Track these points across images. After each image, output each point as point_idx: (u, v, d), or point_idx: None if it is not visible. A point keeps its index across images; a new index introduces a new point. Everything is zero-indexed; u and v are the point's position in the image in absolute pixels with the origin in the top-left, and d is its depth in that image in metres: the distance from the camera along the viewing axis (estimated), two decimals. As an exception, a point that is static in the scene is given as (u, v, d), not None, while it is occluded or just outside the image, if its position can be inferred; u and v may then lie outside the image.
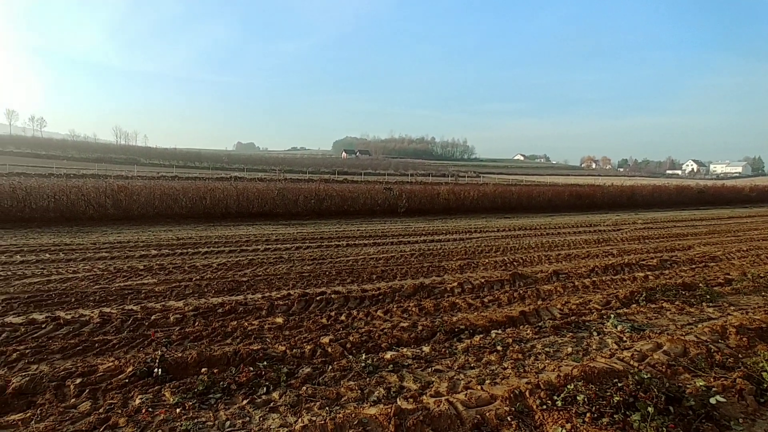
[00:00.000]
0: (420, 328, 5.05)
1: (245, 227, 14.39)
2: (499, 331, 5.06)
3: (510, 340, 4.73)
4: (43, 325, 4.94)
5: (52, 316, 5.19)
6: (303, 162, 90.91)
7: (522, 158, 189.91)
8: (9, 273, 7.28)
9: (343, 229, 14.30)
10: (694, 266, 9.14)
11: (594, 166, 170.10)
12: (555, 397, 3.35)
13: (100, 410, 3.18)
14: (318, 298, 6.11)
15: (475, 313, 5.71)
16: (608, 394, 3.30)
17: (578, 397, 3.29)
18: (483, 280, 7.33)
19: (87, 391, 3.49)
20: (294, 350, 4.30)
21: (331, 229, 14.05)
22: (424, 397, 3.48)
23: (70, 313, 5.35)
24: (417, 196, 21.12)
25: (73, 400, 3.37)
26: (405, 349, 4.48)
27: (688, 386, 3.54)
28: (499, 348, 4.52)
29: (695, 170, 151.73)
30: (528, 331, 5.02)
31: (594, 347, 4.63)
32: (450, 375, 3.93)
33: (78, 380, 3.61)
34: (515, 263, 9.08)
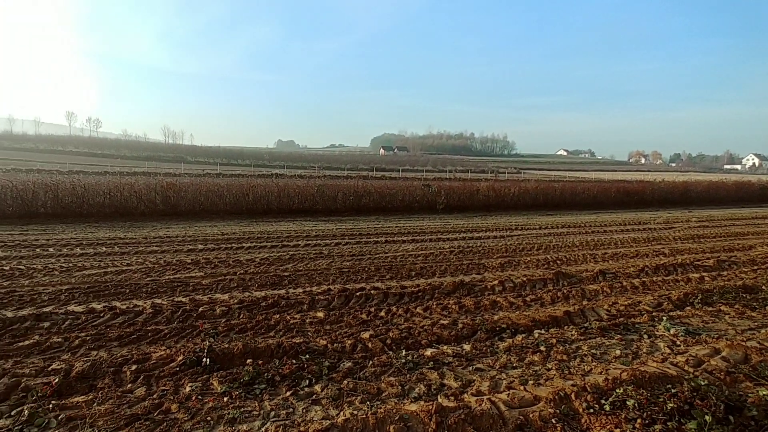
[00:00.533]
0: (460, 325, 5.00)
1: (286, 223, 14.73)
2: (542, 331, 4.94)
3: (554, 341, 4.60)
4: (101, 314, 5.25)
5: (109, 306, 5.51)
6: (341, 159, 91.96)
7: (565, 154, 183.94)
8: (71, 265, 7.78)
9: (381, 225, 14.36)
10: (756, 267, 8.55)
11: (643, 161, 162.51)
12: (602, 401, 3.23)
13: (154, 396, 3.36)
14: (358, 294, 6.17)
15: (517, 312, 5.59)
16: (661, 400, 3.15)
17: (628, 402, 3.15)
18: (525, 279, 7.17)
19: (142, 377, 3.69)
20: (335, 344, 4.36)
21: (369, 226, 14.14)
22: (466, 395, 3.45)
23: (125, 304, 5.66)
24: (456, 192, 20.88)
25: (129, 385, 3.57)
26: (445, 347, 4.45)
27: (749, 395, 3.32)
28: (542, 348, 4.41)
29: (757, 165, 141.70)
30: (573, 332, 4.86)
31: (644, 351, 4.42)
32: (492, 374, 3.87)
33: (133, 367, 3.82)
34: (558, 262, 8.82)
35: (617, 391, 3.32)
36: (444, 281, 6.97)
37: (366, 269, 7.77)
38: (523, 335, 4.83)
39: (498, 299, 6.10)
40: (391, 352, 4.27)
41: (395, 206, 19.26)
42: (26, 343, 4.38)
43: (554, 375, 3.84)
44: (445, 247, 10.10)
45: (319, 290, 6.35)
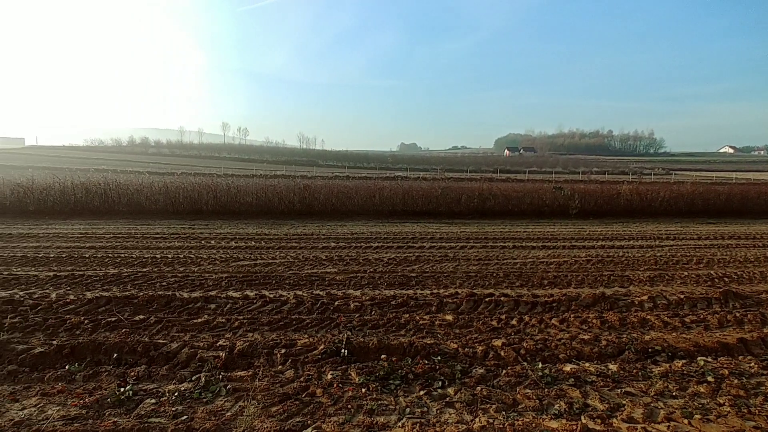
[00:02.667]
0: (604, 342, 4.55)
1: (410, 225, 15.03)
2: (709, 359, 4.24)
3: (725, 372, 3.92)
4: (254, 301, 5.93)
5: (259, 294, 6.20)
6: (463, 161, 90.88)
7: (731, 151, 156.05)
8: (228, 256, 8.95)
9: (508, 230, 13.82)
10: None
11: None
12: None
13: (301, 379, 3.67)
14: (486, 300, 6.01)
15: (674, 334, 4.89)
16: None
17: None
18: (682, 296, 6.25)
19: (290, 361, 4.06)
20: (466, 349, 4.30)
21: (495, 230, 13.71)
22: (615, 420, 3.12)
23: (272, 293, 6.31)
24: (592, 196, 19.13)
25: (279, 366, 3.96)
26: (587, 364, 4.09)
27: None
28: (710, 379, 3.79)
29: None
30: (752, 364, 4.09)
31: None
32: (645, 401, 3.44)
33: (282, 350, 4.23)
34: (726, 279, 7.50)
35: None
36: (581, 292, 6.42)
37: (494, 275, 7.53)
38: (683, 361, 4.20)
39: (649, 317, 5.40)
40: (525, 363, 4.06)
41: (522, 210, 18.36)
42: (198, 320, 5.14)
43: (728, 412, 3.26)
44: (580, 256, 9.31)
45: (447, 293, 6.33)
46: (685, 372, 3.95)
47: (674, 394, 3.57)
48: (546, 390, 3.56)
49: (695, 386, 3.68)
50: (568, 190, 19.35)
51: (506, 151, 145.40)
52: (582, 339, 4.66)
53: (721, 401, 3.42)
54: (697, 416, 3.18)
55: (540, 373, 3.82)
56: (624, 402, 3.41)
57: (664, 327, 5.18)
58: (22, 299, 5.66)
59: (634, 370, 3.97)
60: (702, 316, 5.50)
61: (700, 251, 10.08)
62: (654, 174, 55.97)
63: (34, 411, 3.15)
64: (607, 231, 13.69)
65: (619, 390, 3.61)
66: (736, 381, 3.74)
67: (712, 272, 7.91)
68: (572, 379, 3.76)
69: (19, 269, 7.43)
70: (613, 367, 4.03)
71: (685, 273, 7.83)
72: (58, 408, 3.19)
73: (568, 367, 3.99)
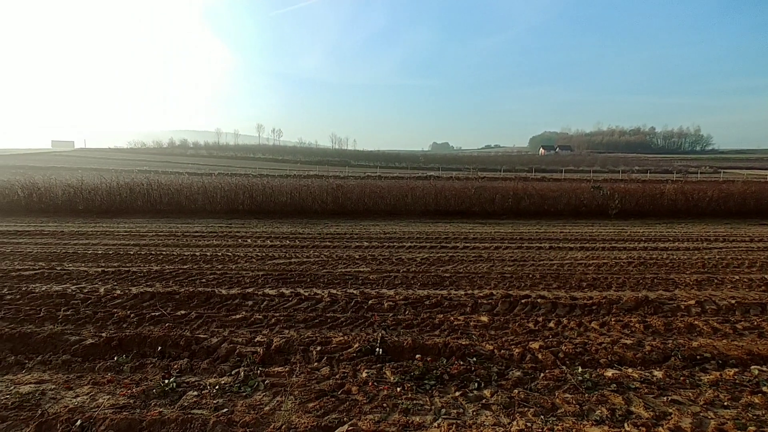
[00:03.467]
0: (648, 348, 4.36)
1: (443, 224, 14.92)
2: (763, 368, 4.00)
3: (783, 382, 3.68)
4: (290, 299, 6.03)
5: (294, 292, 6.30)
6: (497, 160, 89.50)
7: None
8: (264, 254, 9.15)
9: (544, 230, 13.49)
10: None
11: None
12: None
13: (337, 376, 3.71)
14: (522, 301, 5.88)
15: (725, 341, 4.64)
16: None
17: None
18: (733, 301, 5.92)
19: (325, 358, 4.11)
20: (502, 351, 4.22)
21: (530, 230, 13.42)
22: (660, 429, 2.99)
23: (307, 291, 6.40)
24: (632, 195, 18.40)
25: (315, 363, 4.02)
26: (630, 370, 3.94)
27: None
28: (765, 389, 3.57)
29: None
30: (813, 375, 3.82)
31: None
32: (694, 410, 3.28)
33: (318, 348, 4.28)
34: (782, 283, 7.05)
35: None
36: (623, 296, 6.19)
37: (530, 276, 7.36)
38: (735, 369, 3.98)
39: (696, 323, 5.15)
40: (564, 367, 3.95)
41: (559, 210, 17.89)
42: (237, 316, 5.28)
43: (787, 425, 3.06)
44: (621, 257, 8.98)
45: (481, 294, 6.24)
46: (737, 381, 3.74)
47: (725, 404, 3.39)
48: (586, 395, 3.45)
49: (749, 396, 3.48)
50: (608, 190, 18.70)
51: (541, 149, 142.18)
52: (624, 344, 4.49)
53: (779, 413, 3.22)
54: (751, 428, 3.01)
55: (580, 378, 3.71)
56: (670, 410, 3.26)
57: (713, 333, 4.92)
58: (73, 293, 5.98)
59: (681, 378, 3.79)
60: (756, 323, 5.20)
61: (753, 254, 9.53)
62: (700, 172, 53.31)
63: (87, 399, 3.32)
64: (649, 232, 13.15)
65: (665, 398, 3.46)
66: (794, 392, 3.51)
67: (766, 276, 7.46)
68: (614, 385, 3.63)
69: (70, 265, 7.86)
70: (658, 373, 3.87)
71: (737, 277, 7.42)
72: (108, 397, 3.35)
73: (609, 372, 3.86)
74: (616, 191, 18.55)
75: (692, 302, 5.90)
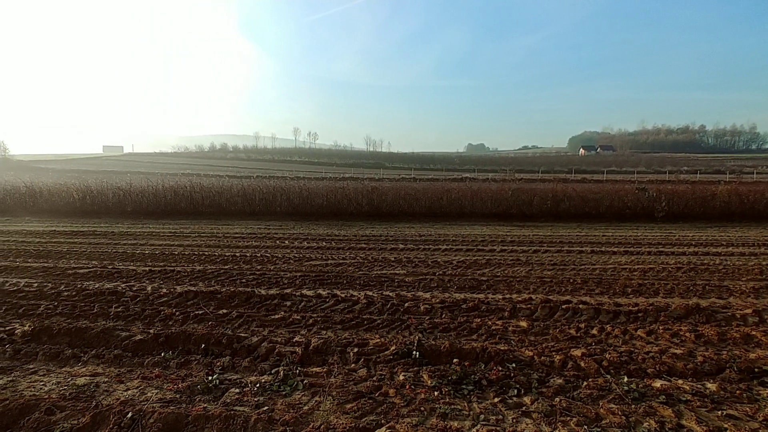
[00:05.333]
0: (700, 359, 4.14)
1: (479, 227, 14.72)
2: (831, 384, 3.71)
3: None
4: (327, 300, 6.10)
5: (331, 293, 6.37)
6: (534, 161, 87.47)
7: None
8: (301, 255, 9.31)
9: (585, 233, 13.05)
10: None
11: None
12: None
13: (374, 378, 3.72)
14: (563, 307, 5.71)
15: (786, 353, 4.33)
16: None
17: None
18: (795, 311, 5.53)
19: (362, 360, 4.13)
20: (542, 357, 4.11)
21: (570, 233, 13.02)
22: (715, 445, 2.83)
23: (343, 292, 6.45)
24: (681, 197, 17.50)
25: (353, 365, 4.04)
26: (680, 381, 3.74)
27: None
28: (833, 406, 3.31)
29: None
30: None
31: None
32: (752, 426, 3.08)
33: (355, 349, 4.31)
34: None
35: None
36: (671, 303, 5.90)
37: (570, 281, 7.14)
38: (799, 384, 3.71)
39: (754, 333, 4.84)
40: (608, 376, 3.80)
41: (600, 213, 17.26)
42: (276, 316, 5.39)
43: None
44: (669, 262, 8.56)
45: (520, 298, 6.10)
46: (801, 397, 3.48)
47: (788, 421, 3.16)
48: (633, 406, 3.31)
49: (815, 414, 3.23)
50: (654, 191, 17.88)
51: (581, 150, 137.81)
52: (673, 353, 4.28)
53: None
54: (819, 448, 2.79)
55: (625, 388, 3.56)
56: (726, 425, 3.08)
57: (773, 345, 4.61)
58: (123, 291, 6.28)
59: (738, 391, 3.57)
60: (821, 335, 4.83)
61: (817, 260, 8.86)
62: (757, 173, 50.10)
63: (136, 393, 3.48)
64: (700, 236, 12.47)
65: (719, 412, 3.26)
66: None
67: (832, 285, 6.92)
68: (663, 396, 3.46)
69: (120, 264, 8.27)
70: (711, 386, 3.66)
71: (799, 285, 6.92)
72: (156, 391, 3.50)
73: (657, 383, 3.68)
74: (663, 193, 17.71)
75: (749, 311, 5.55)
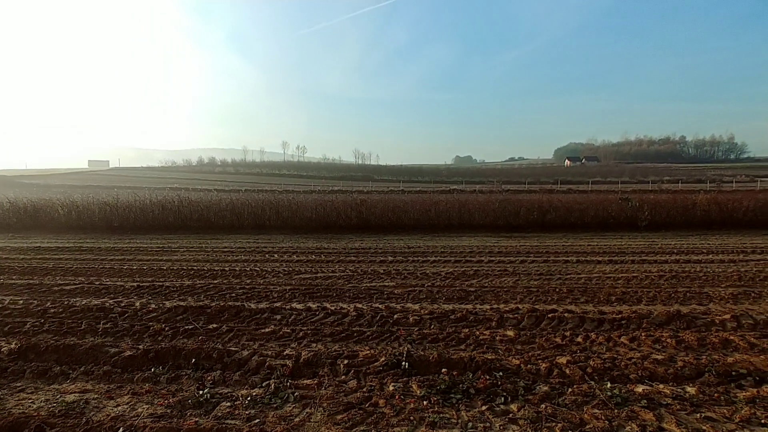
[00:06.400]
0: (680, 364, 4.27)
1: (467, 238, 14.87)
2: (805, 386, 3.86)
3: (825, 400, 3.55)
4: (317, 313, 6.14)
5: (321, 306, 6.41)
6: (521, 172, 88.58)
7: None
8: (290, 269, 9.33)
9: (570, 243, 13.28)
10: None
11: None
12: None
13: (364, 389, 3.78)
14: (549, 316, 5.83)
15: (762, 357, 4.48)
16: None
17: None
18: (771, 316, 5.72)
19: (352, 371, 4.18)
20: (528, 365, 4.21)
21: (556, 243, 13.23)
22: (694, 447, 2.93)
23: (333, 305, 6.50)
24: (663, 206, 17.90)
25: (343, 377, 4.09)
26: (661, 386, 3.87)
27: None
28: (806, 407, 3.45)
29: None
30: None
31: None
32: (729, 427, 3.20)
33: (345, 361, 4.36)
34: (824, 297, 6.76)
35: None
36: (653, 310, 6.06)
37: (556, 290, 7.28)
38: (774, 386, 3.85)
39: (732, 338, 5.00)
40: (592, 382, 3.91)
41: (586, 223, 17.56)
42: (266, 330, 5.41)
43: (829, 444, 2.96)
44: (651, 271, 8.77)
45: (507, 308, 6.21)
46: (775, 399, 3.62)
47: (763, 421, 3.29)
48: (616, 411, 3.41)
49: (788, 414, 3.37)
50: (637, 201, 18.26)
51: (567, 161, 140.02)
52: (655, 359, 4.41)
53: (821, 432, 3.11)
54: (792, 447, 2.92)
55: (609, 393, 3.66)
56: (704, 427, 3.19)
57: (750, 349, 4.77)
58: (111, 307, 6.25)
59: (716, 394, 3.70)
60: (796, 338, 5.00)
61: (793, 267, 9.14)
62: (736, 181, 51.39)
63: (127, 408, 3.49)
64: (681, 244, 12.77)
65: (698, 414, 3.38)
66: (838, 411, 3.38)
67: (807, 290, 7.16)
68: (645, 401, 3.57)
69: (108, 280, 8.21)
70: (691, 390, 3.79)
71: (775, 290, 7.15)
72: (147, 406, 3.51)
73: (639, 388, 3.80)
74: (646, 202, 18.10)
75: (728, 316, 5.73)
